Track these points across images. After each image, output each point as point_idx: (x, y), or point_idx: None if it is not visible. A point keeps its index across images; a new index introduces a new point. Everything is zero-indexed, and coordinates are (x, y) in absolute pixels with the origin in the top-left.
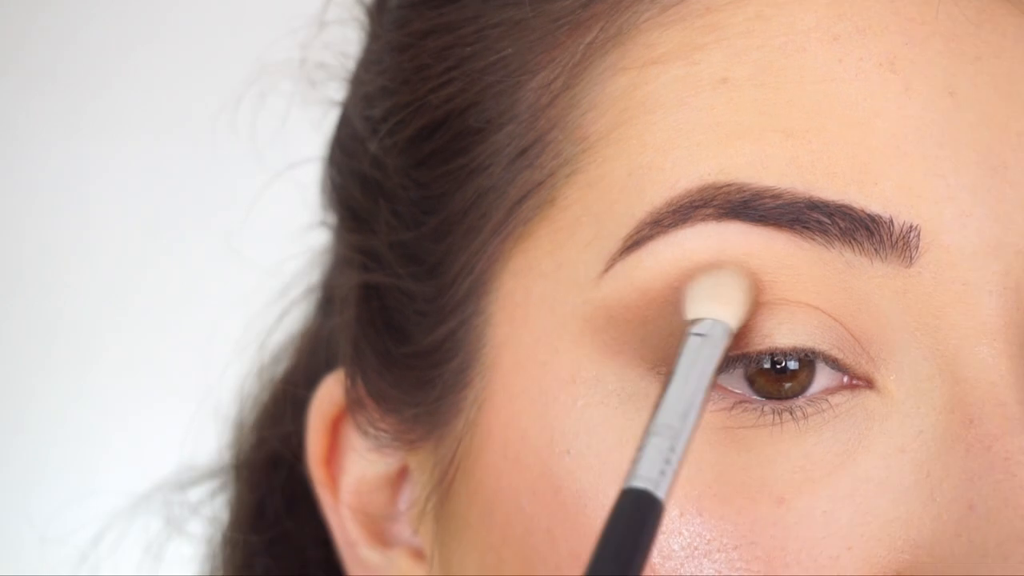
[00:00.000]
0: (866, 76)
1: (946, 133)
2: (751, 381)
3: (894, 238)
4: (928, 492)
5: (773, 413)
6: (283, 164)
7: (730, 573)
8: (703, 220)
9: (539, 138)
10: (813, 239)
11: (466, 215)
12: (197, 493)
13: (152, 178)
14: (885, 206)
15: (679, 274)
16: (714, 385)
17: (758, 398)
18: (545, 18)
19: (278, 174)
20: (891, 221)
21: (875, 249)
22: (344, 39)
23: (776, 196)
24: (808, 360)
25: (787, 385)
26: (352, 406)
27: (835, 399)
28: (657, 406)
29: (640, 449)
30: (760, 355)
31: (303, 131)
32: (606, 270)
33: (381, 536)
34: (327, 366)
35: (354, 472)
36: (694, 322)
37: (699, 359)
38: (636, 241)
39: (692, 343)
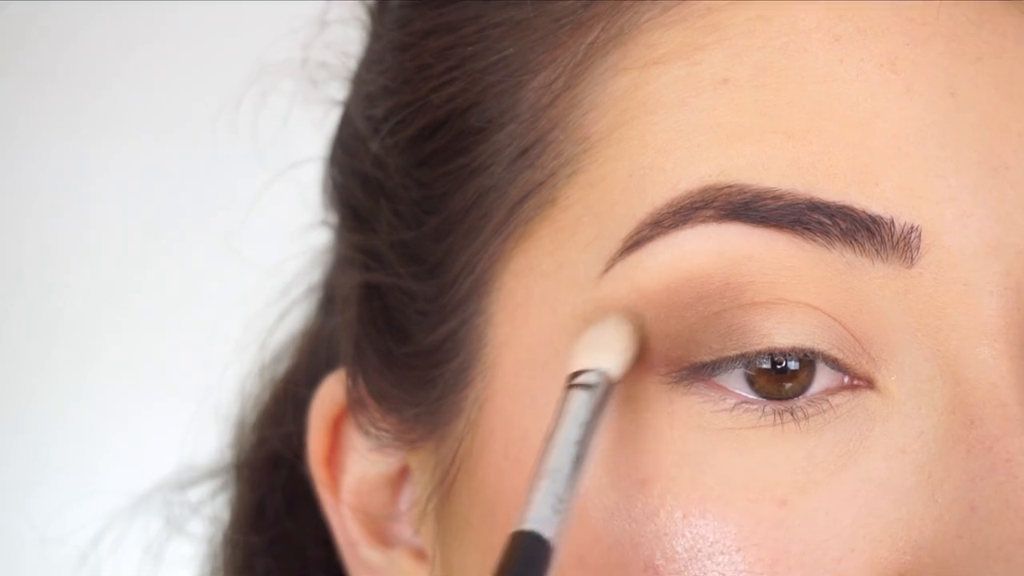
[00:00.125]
0: (867, 77)
1: (947, 134)
2: (751, 381)
3: (895, 239)
4: (930, 493)
5: (774, 414)
6: (284, 164)
7: (732, 575)
8: (704, 221)
9: (540, 138)
10: (814, 240)
11: (467, 215)
12: (197, 493)
13: (152, 178)
14: (886, 207)
15: (679, 275)
16: (598, 432)
17: (759, 398)
18: (546, 18)
19: (279, 174)
20: (892, 222)
21: (876, 250)
22: (346, 38)
23: (777, 197)
24: (808, 360)
25: (787, 385)
26: (353, 406)
27: (836, 399)
28: (543, 452)
29: (529, 493)
30: (759, 355)
31: (304, 131)
32: (606, 270)
33: (382, 536)
34: (328, 366)
35: (355, 472)
36: (576, 373)
37: (580, 407)
38: (636, 242)
39: (573, 394)
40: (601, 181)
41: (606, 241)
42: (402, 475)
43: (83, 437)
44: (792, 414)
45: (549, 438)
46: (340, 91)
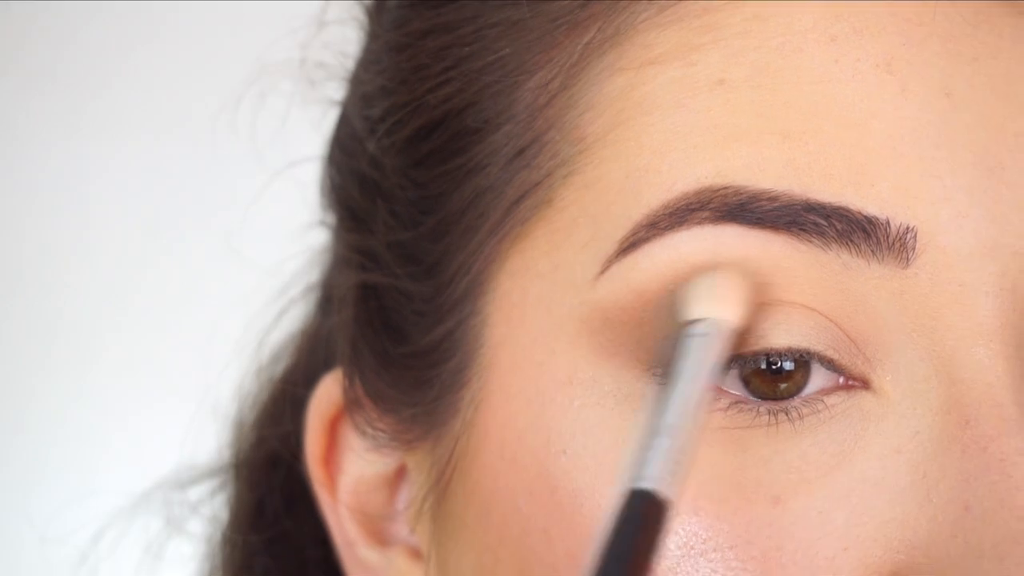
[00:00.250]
0: (863, 77)
1: (943, 134)
2: (746, 382)
3: (891, 239)
4: (924, 493)
5: (769, 414)
6: (283, 164)
7: (726, 573)
8: (699, 223)
9: (536, 138)
10: (810, 241)
11: (463, 215)
12: (197, 492)
13: (152, 178)
14: (882, 207)
15: (674, 277)
16: (714, 385)
17: (754, 399)
18: (543, 18)
19: (278, 174)
20: (888, 223)
21: (872, 251)
22: (344, 39)
23: (773, 198)
24: (803, 361)
25: (783, 386)
26: (350, 406)
27: (831, 400)
28: (661, 407)
29: (645, 450)
30: (755, 355)
31: (303, 131)
32: (602, 272)
33: (379, 536)
34: (326, 365)
35: (352, 472)
36: (693, 322)
37: (699, 359)
38: (632, 243)
39: (692, 343)
40: (597, 182)
41: (602, 242)
42: (399, 475)
43: (83, 437)
44: (787, 414)
45: (666, 393)
46: (338, 91)
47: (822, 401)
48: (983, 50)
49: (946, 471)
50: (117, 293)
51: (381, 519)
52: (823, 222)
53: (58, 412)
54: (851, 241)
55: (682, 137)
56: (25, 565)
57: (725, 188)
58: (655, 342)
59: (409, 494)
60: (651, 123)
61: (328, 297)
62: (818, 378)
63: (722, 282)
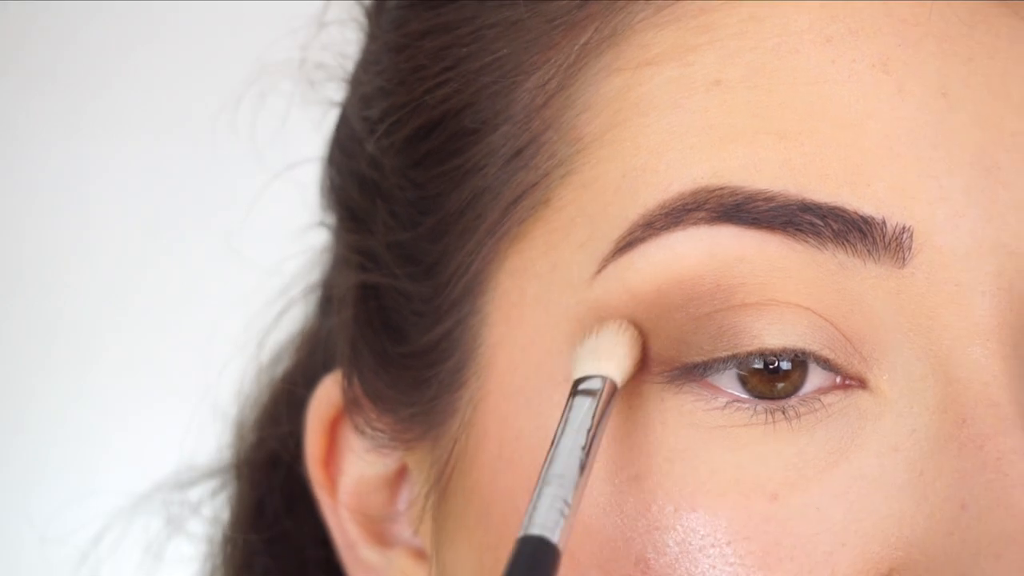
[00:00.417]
0: (859, 77)
1: (939, 134)
2: (744, 381)
3: (887, 239)
4: (921, 491)
5: (766, 412)
6: (283, 164)
7: (724, 568)
8: (695, 223)
9: (534, 139)
10: (806, 241)
11: (462, 215)
12: (197, 492)
13: (152, 178)
14: (878, 207)
15: (670, 277)
16: (600, 437)
17: (751, 398)
18: (540, 19)
19: (278, 174)
20: (884, 222)
21: (868, 250)
22: (343, 40)
23: (769, 199)
24: (800, 360)
25: (779, 385)
26: (349, 406)
27: (828, 399)
28: (548, 458)
29: (535, 498)
30: (751, 355)
31: (303, 131)
32: (599, 271)
33: (380, 536)
34: (326, 366)
35: (352, 473)
36: (580, 380)
37: (582, 413)
38: (628, 243)
39: (578, 400)
40: (594, 182)
41: (599, 242)
42: (400, 475)
43: (83, 437)
44: (784, 413)
45: (554, 444)
46: (338, 92)
47: (819, 400)
48: (979, 50)
49: (943, 469)
50: (117, 293)
51: (382, 520)
52: (819, 222)
53: (58, 412)
54: (847, 241)
55: (678, 137)
56: (25, 565)
57: (721, 188)
58: (650, 342)
59: (410, 494)
60: (648, 123)
61: (328, 297)
62: (815, 377)
63: (603, 340)
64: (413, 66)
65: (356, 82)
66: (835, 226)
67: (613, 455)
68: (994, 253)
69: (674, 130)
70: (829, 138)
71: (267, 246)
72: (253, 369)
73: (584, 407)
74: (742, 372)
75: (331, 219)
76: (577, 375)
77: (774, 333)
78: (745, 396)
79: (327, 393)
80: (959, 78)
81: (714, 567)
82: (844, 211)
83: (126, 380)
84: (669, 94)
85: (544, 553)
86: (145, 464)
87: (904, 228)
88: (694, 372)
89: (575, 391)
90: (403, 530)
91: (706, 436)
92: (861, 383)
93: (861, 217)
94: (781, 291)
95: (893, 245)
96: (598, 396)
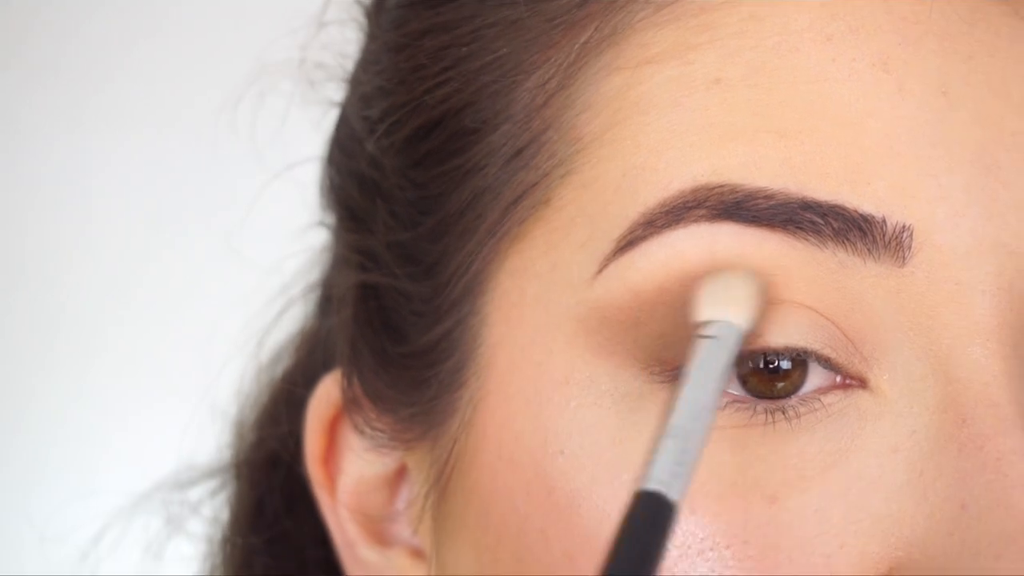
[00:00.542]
0: (859, 76)
1: (939, 133)
2: (744, 381)
3: (887, 238)
4: (921, 491)
5: (766, 412)
6: (283, 164)
7: (723, 572)
8: (696, 221)
9: (534, 138)
10: (806, 239)
11: (462, 215)
12: (197, 492)
13: (152, 177)
14: (878, 206)
15: (671, 275)
16: (726, 387)
17: (751, 397)
18: (540, 18)
19: (278, 174)
20: (884, 221)
21: (868, 249)
22: (343, 39)
23: (769, 197)
24: (800, 360)
25: (779, 385)
26: (349, 406)
27: (828, 399)
28: (670, 409)
29: (653, 452)
30: (752, 354)
31: (302, 131)
32: (599, 271)
33: (380, 536)
34: (325, 366)
35: (352, 472)
36: (705, 324)
37: (710, 361)
38: (629, 242)
39: (703, 345)
40: (594, 181)
41: (599, 241)
42: (399, 475)
43: (83, 437)
44: (784, 413)
45: (677, 394)
46: (337, 92)
47: (819, 400)
48: (980, 48)
49: (943, 469)
50: (117, 292)
51: (381, 519)
52: (819, 220)
53: (58, 412)
54: (847, 239)
55: (678, 136)
56: (25, 564)
57: (721, 186)
58: (652, 341)
59: (409, 494)
60: (648, 122)
61: (327, 297)
62: (815, 377)
63: (735, 284)
64: (413, 66)
65: (356, 82)
66: (835, 224)
67: (612, 456)
68: (994, 252)
69: (674, 128)
70: (829, 136)
71: (267, 246)
72: (253, 369)
73: (709, 356)
74: (743, 371)
75: (331, 219)
76: (703, 317)
77: (775, 332)
78: (745, 396)
79: (327, 392)
80: (959, 77)
81: (713, 570)
82: (844, 209)
83: (126, 380)
84: (669, 93)
85: (662, 510)
86: (145, 464)
87: (904, 227)
88: None
89: (699, 336)
90: (402, 530)
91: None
92: (861, 383)
93: (861, 215)
94: (783, 290)
95: (893, 244)
96: (724, 344)
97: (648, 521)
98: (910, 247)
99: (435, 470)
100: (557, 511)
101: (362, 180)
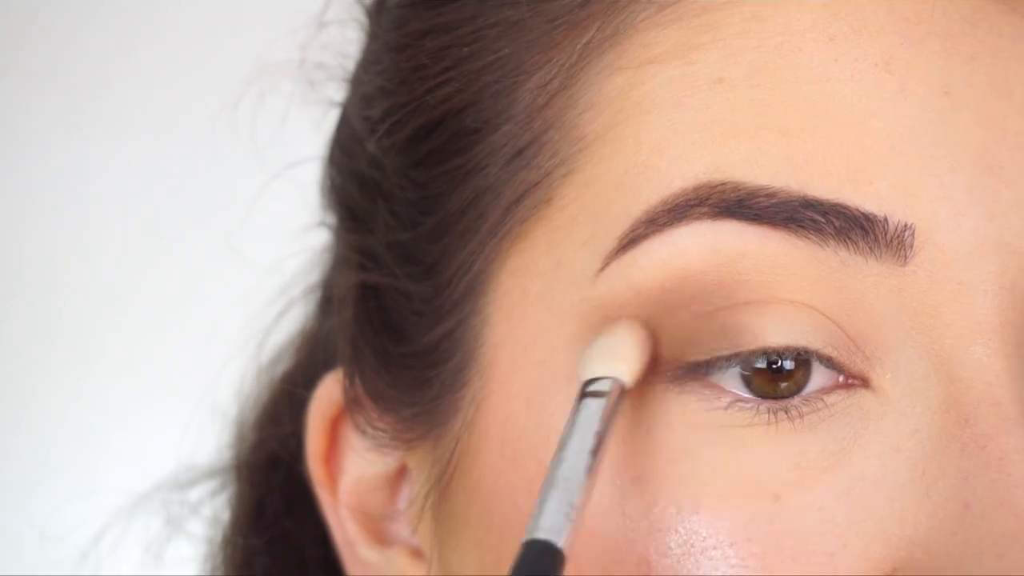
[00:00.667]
0: (861, 76)
1: (941, 132)
2: (747, 381)
3: (888, 237)
4: (923, 490)
5: (769, 412)
6: (283, 164)
7: (726, 571)
8: (698, 219)
9: (536, 138)
10: (808, 238)
11: (463, 215)
12: (197, 493)
13: (152, 178)
14: (880, 205)
15: (674, 273)
16: (609, 440)
17: (754, 397)
18: (542, 18)
19: (278, 174)
20: (886, 220)
21: (870, 248)
22: (344, 39)
23: (771, 195)
24: (803, 360)
25: (783, 385)
26: (350, 406)
27: (831, 398)
28: (555, 461)
29: (540, 502)
30: (753, 354)
31: (303, 131)
32: (602, 269)
33: (380, 535)
34: (326, 366)
35: (353, 472)
36: (589, 381)
37: (593, 416)
38: (632, 240)
39: (586, 403)
40: (596, 180)
41: (602, 240)
42: (400, 475)
43: (83, 437)
44: (787, 412)
45: (561, 447)
46: (338, 92)
47: (822, 400)
48: (982, 49)
49: (945, 469)
50: (118, 293)
51: (381, 519)
52: (821, 218)
53: (58, 412)
54: (849, 238)
55: (680, 134)
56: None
57: (723, 184)
58: (654, 339)
59: (410, 494)
60: (650, 121)
61: (328, 297)
62: (818, 377)
63: (613, 340)
64: (414, 66)
65: (357, 82)
66: (837, 223)
67: (615, 456)
68: (996, 252)
69: (676, 127)
70: (831, 136)
71: (267, 246)
72: (253, 369)
73: (592, 409)
74: (745, 372)
75: (331, 219)
76: (586, 376)
77: (777, 331)
78: (748, 396)
79: (328, 391)
80: (962, 77)
81: (716, 569)
82: (846, 208)
83: (126, 380)
84: (671, 92)
85: (550, 558)
86: (145, 464)
87: (906, 226)
88: (697, 371)
89: (583, 393)
90: (402, 529)
91: (708, 436)
92: (864, 382)
93: (863, 214)
94: (785, 288)
95: (895, 243)
96: (607, 398)
97: (537, 569)
98: (912, 246)
99: (436, 470)
100: None
101: (363, 180)
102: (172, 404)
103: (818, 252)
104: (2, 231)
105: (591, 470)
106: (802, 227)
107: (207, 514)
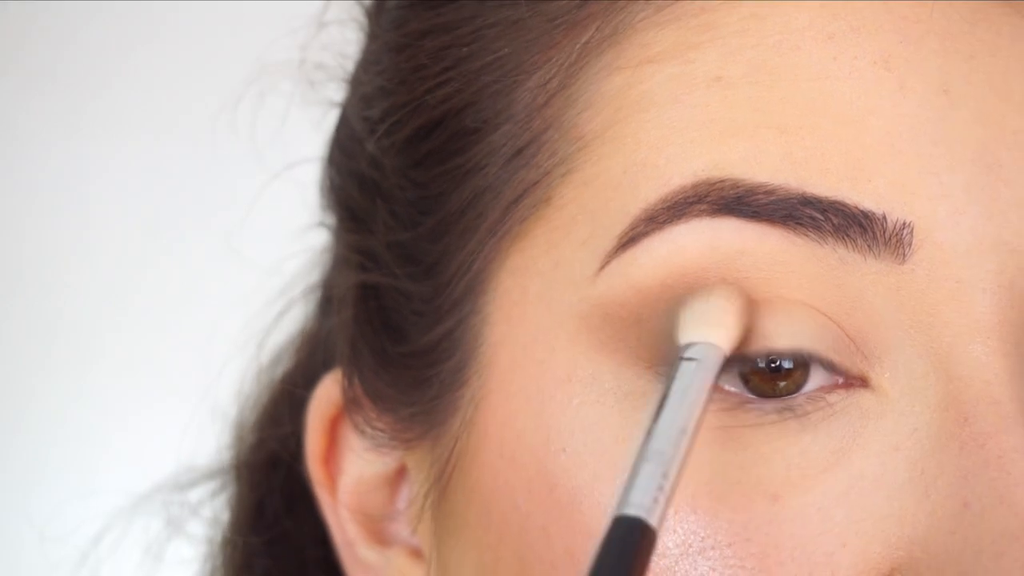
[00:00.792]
0: (860, 74)
1: (940, 131)
2: (746, 380)
3: (887, 235)
4: (923, 489)
5: (775, 412)
6: (283, 164)
7: (725, 570)
8: (697, 216)
9: (535, 138)
10: (806, 235)
11: (463, 215)
12: (197, 493)
13: (152, 178)
14: (878, 203)
15: (673, 271)
16: (706, 410)
17: (754, 396)
18: (541, 18)
19: (277, 174)
20: (884, 218)
21: (868, 246)
22: (343, 40)
23: (769, 192)
24: (802, 360)
25: (781, 384)
26: (349, 406)
27: (832, 397)
28: (649, 432)
29: (631, 476)
30: (757, 355)
31: (303, 131)
32: (602, 268)
33: (379, 535)
34: (326, 366)
35: (352, 472)
36: (686, 346)
37: (691, 384)
38: (631, 238)
39: (684, 368)
40: (595, 179)
41: (601, 238)
42: (399, 475)
43: (83, 437)
44: (792, 411)
45: (656, 418)
46: (338, 92)
47: (824, 399)
48: (981, 47)
49: (944, 468)
50: (118, 293)
51: (381, 519)
52: (819, 216)
53: (58, 412)
54: (847, 236)
55: (679, 132)
56: (25, 564)
57: (722, 181)
58: (654, 338)
59: (409, 494)
60: (648, 119)
61: (328, 297)
62: (817, 376)
63: (716, 305)
64: (414, 66)
65: (356, 82)
66: (835, 220)
67: (615, 455)
68: (995, 250)
69: (674, 125)
70: (830, 133)
71: (267, 246)
72: (253, 370)
73: (688, 377)
74: (745, 371)
75: (331, 219)
76: (684, 340)
77: (782, 334)
78: (748, 395)
79: (327, 391)
80: (960, 75)
81: (714, 569)
82: (844, 205)
83: (126, 380)
84: (670, 90)
85: (640, 536)
86: (145, 464)
87: (904, 224)
88: None
89: (681, 358)
90: (401, 529)
91: (708, 436)
92: (863, 382)
93: (861, 212)
94: (784, 286)
95: (893, 241)
96: (704, 367)
97: (628, 547)
98: (910, 244)
99: (436, 469)
100: (559, 509)
101: (362, 180)
102: (172, 404)
103: (817, 249)
104: (2, 231)
105: (687, 444)
106: (801, 224)
107: (207, 515)
